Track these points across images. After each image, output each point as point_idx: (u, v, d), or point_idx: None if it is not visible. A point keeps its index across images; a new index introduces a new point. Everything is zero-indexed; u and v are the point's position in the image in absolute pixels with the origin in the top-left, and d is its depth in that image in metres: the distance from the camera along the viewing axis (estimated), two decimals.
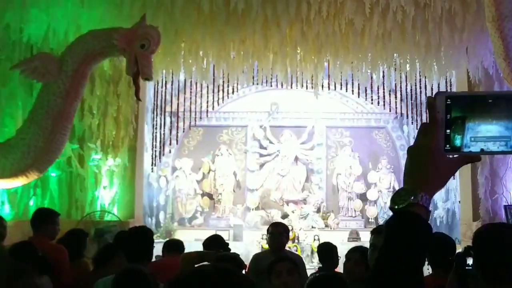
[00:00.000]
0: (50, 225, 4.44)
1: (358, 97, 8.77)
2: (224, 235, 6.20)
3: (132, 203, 8.12)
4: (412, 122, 9.43)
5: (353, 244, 8.00)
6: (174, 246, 5.07)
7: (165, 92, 9.05)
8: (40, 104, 5.06)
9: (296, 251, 9.02)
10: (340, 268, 4.82)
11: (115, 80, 7.92)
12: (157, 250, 5.31)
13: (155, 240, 8.58)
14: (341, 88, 8.28)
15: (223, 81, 8.12)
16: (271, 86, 8.54)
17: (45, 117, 5.01)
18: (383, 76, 7.89)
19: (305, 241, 9.97)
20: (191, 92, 8.92)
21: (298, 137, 11.66)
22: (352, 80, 7.98)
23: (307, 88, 8.24)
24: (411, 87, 8.47)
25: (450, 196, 9.74)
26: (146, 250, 3.67)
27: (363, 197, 11.36)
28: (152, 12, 6.14)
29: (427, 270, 7.30)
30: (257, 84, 8.77)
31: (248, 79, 7.94)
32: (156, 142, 9.17)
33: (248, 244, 9.85)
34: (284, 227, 4.85)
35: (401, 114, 9.56)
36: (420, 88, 8.43)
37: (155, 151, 9.09)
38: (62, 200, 7.76)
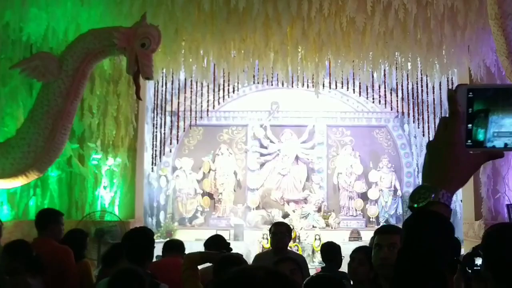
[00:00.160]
0: (56, 225, 4.39)
1: (360, 95, 8.73)
2: (225, 235, 6.17)
3: (132, 203, 8.08)
4: (413, 121, 9.39)
5: (354, 244, 7.99)
6: (174, 246, 5.03)
7: (165, 92, 9.01)
8: (40, 104, 5.03)
9: (297, 250, 8.99)
10: (342, 268, 4.80)
11: (115, 79, 7.88)
12: (158, 250, 5.28)
13: (156, 240, 8.57)
14: (342, 87, 8.24)
15: (224, 80, 8.09)
16: (272, 85, 8.49)
17: (45, 117, 4.98)
18: (384, 75, 7.85)
19: (306, 241, 9.95)
20: (191, 91, 8.88)
21: (299, 136, 11.64)
22: (353, 79, 7.94)
23: (308, 87, 8.20)
24: (412, 85, 8.43)
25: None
26: (146, 251, 3.65)
27: (364, 196, 11.35)
28: (152, 11, 6.12)
29: None
30: (258, 83, 8.74)
31: (249, 78, 7.90)
32: (156, 141, 9.12)
33: (249, 244, 9.83)
34: (287, 227, 4.81)
35: (402, 113, 9.50)
36: (422, 86, 8.39)
37: (155, 150, 9.04)
38: (62, 200, 7.73)
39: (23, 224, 6.91)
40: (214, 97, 9.50)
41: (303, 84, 8.09)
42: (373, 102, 9.78)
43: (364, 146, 11.63)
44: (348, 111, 11.73)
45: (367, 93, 8.41)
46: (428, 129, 8.88)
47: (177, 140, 10.86)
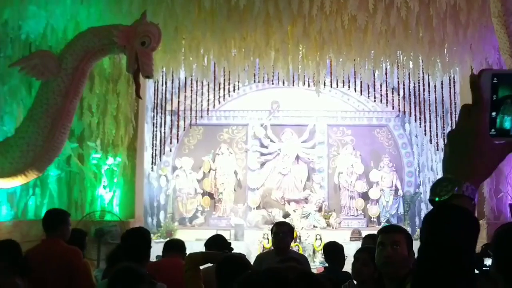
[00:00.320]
0: (65, 225, 4.35)
1: (361, 94, 8.69)
2: (225, 235, 6.13)
3: (132, 202, 8.04)
4: (415, 120, 9.34)
5: (355, 244, 7.94)
6: (175, 246, 4.97)
7: (165, 91, 8.97)
8: (40, 102, 4.98)
9: (298, 250, 8.94)
10: (345, 268, 4.75)
11: (115, 78, 7.84)
12: (158, 250, 5.24)
13: (156, 240, 8.53)
14: (343, 85, 8.20)
15: (224, 79, 8.04)
16: (272, 84, 8.45)
17: (45, 116, 4.93)
18: (386, 74, 7.81)
19: (307, 241, 9.89)
20: (191, 90, 8.84)
21: (299, 135, 11.60)
22: (355, 77, 7.90)
23: (308, 85, 8.16)
24: (414, 84, 8.38)
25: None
26: (143, 251, 3.69)
27: (365, 196, 11.30)
28: (152, 9, 6.07)
29: None
30: (258, 82, 8.69)
31: (249, 77, 7.85)
32: (156, 141, 9.07)
33: (250, 244, 9.79)
34: (289, 226, 4.76)
35: (404, 112, 9.47)
36: (423, 85, 8.35)
37: (155, 150, 9.00)
38: (62, 200, 7.69)
39: (22, 224, 6.87)
40: (214, 96, 9.47)
41: (304, 83, 8.05)
42: (374, 101, 9.74)
43: (365, 146, 11.59)
44: (349, 110, 11.68)
45: (368, 92, 8.36)
46: (430, 128, 8.84)
47: (177, 139, 10.81)
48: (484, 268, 2.17)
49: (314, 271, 6.30)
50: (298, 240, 9.76)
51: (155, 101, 9.22)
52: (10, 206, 6.93)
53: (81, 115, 7.65)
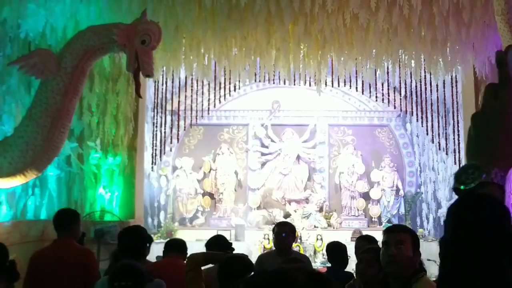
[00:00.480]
0: (77, 225, 4.32)
1: (362, 93, 8.64)
2: (226, 235, 6.07)
3: (132, 202, 7.99)
4: (416, 120, 9.29)
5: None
6: (175, 246, 4.92)
7: (166, 90, 8.92)
8: (39, 102, 4.93)
9: (299, 251, 8.89)
10: (348, 268, 4.70)
11: (115, 77, 7.79)
12: (158, 250, 5.19)
13: (156, 241, 8.48)
14: (344, 85, 8.15)
15: (225, 79, 8.00)
16: (273, 83, 8.40)
17: (44, 115, 4.88)
18: (388, 73, 7.76)
19: (307, 241, 9.85)
20: (192, 90, 8.79)
21: (300, 135, 11.57)
22: (356, 77, 7.85)
23: (310, 85, 8.11)
24: (415, 83, 8.34)
25: (454, 195, 9.57)
26: (140, 248, 3.73)
27: (366, 196, 11.27)
28: (152, 7, 6.02)
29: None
30: (259, 81, 8.64)
31: (250, 76, 7.80)
32: (156, 140, 9.02)
33: (250, 244, 9.75)
34: (291, 227, 4.71)
35: (406, 111, 9.42)
36: (425, 85, 8.30)
37: (155, 150, 8.94)
38: (61, 200, 7.64)
39: (21, 224, 6.82)
40: (214, 96, 9.43)
41: (305, 82, 8.00)
42: (376, 100, 9.70)
43: (366, 146, 11.56)
44: (350, 110, 11.66)
45: (370, 91, 8.31)
46: (432, 128, 8.79)
47: (178, 139, 10.77)
48: None
49: None
50: (299, 241, 9.71)
51: (155, 100, 9.17)
52: (9, 206, 6.88)
53: (80, 114, 7.61)
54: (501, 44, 5.82)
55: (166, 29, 5.97)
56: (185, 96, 9.16)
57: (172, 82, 8.52)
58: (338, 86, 8.73)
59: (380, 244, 2.68)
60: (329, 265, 5.07)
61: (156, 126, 9.17)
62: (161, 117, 9.30)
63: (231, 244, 4.64)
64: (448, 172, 9.86)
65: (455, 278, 0.86)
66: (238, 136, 11.75)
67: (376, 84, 8.23)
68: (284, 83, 8.04)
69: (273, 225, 5.39)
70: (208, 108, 9.41)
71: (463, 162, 7.52)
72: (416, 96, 8.64)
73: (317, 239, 9.75)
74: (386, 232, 2.79)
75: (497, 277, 0.85)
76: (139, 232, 3.86)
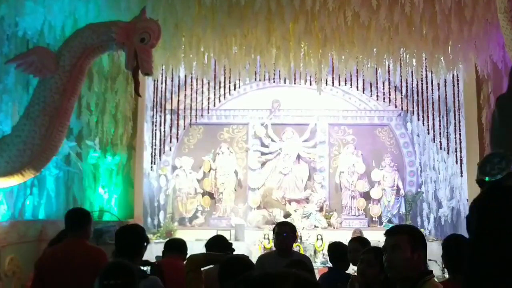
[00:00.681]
0: (89, 225, 4.29)
1: (363, 92, 8.59)
2: (225, 235, 6.02)
3: (131, 202, 7.94)
4: (417, 119, 9.25)
5: None
6: (175, 246, 4.88)
7: (165, 90, 8.88)
8: (37, 100, 4.88)
9: (299, 251, 8.85)
10: (350, 269, 4.65)
11: (113, 76, 7.74)
12: (158, 250, 5.14)
13: (155, 241, 8.41)
14: (345, 84, 8.10)
15: (225, 77, 7.95)
16: (274, 82, 8.35)
17: (42, 114, 4.83)
18: (389, 71, 7.71)
19: (308, 241, 9.80)
20: (191, 89, 8.74)
21: (300, 135, 11.54)
22: (357, 75, 7.80)
23: (310, 84, 8.07)
24: (416, 82, 8.29)
25: (455, 194, 9.57)
26: (136, 247, 3.71)
27: (366, 196, 11.23)
28: (152, 5, 5.98)
29: (442, 274, 7.05)
30: (259, 80, 8.59)
31: (250, 75, 7.75)
32: (155, 140, 8.97)
33: (250, 244, 9.71)
34: (291, 227, 4.66)
35: (407, 110, 9.36)
36: (427, 83, 8.25)
37: (155, 149, 8.89)
38: (60, 200, 7.58)
39: (19, 224, 6.77)
40: (214, 95, 9.39)
41: (305, 81, 7.95)
42: (377, 99, 9.66)
43: (366, 145, 11.53)
44: (350, 110, 11.62)
45: (371, 90, 8.27)
46: (433, 127, 8.74)
47: (177, 138, 10.71)
48: None
49: (315, 271, 6.20)
50: (299, 241, 9.66)
51: (155, 99, 9.12)
52: (7, 206, 6.83)
53: (79, 113, 7.55)
54: (503, 42, 5.78)
55: (165, 27, 5.93)
56: (185, 95, 9.11)
57: (172, 80, 8.48)
58: (339, 85, 8.69)
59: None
60: (330, 265, 5.02)
61: (156, 125, 9.11)
62: (161, 116, 9.25)
63: (231, 244, 4.60)
64: (449, 171, 9.81)
65: (483, 276, 0.80)
66: (238, 135, 11.71)
67: (377, 83, 8.19)
68: (285, 82, 7.99)
69: (273, 225, 5.34)
70: (208, 107, 9.37)
71: (464, 162, 7.44)
72: (417, 95, 8.60)
73: (317, 239, 9.71)
74: (384, 235, 2.73)
75: None
76: (136, 231, 3.82)
